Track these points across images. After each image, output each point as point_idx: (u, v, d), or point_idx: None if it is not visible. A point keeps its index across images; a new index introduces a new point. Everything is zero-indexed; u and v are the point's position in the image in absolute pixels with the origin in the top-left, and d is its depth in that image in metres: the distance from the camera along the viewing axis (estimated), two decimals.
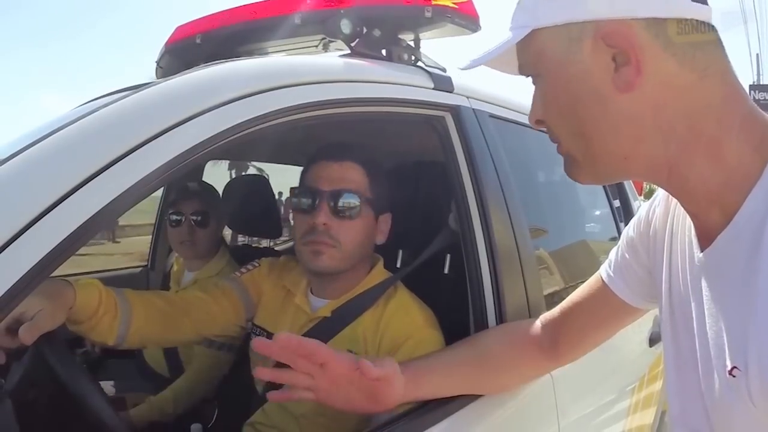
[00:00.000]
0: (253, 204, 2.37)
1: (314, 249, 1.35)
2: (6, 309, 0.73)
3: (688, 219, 0.82)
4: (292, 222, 1.59)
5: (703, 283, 0.78)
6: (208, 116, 0.94)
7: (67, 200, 0.78)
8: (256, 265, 1.61)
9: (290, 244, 4.05)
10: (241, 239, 3.39)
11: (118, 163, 0.84)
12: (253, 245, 3.29)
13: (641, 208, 0.99)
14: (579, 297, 1.14)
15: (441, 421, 1.15)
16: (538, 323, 1.25)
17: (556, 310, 1.21)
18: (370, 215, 1.41)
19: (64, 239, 0.77)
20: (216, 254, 2.29)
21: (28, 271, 0.73)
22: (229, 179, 2.68)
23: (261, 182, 2.51)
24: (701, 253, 0.78)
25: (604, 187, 2.24)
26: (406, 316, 1.35)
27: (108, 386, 2.11)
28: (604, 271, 1.08)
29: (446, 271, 1.73)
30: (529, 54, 0.80)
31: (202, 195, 2.30)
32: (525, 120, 0.95)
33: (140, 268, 3.17)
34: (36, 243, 0.75)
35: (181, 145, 0.91)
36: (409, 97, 1.33)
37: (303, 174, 1.46)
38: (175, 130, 0.91)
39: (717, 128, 0.72)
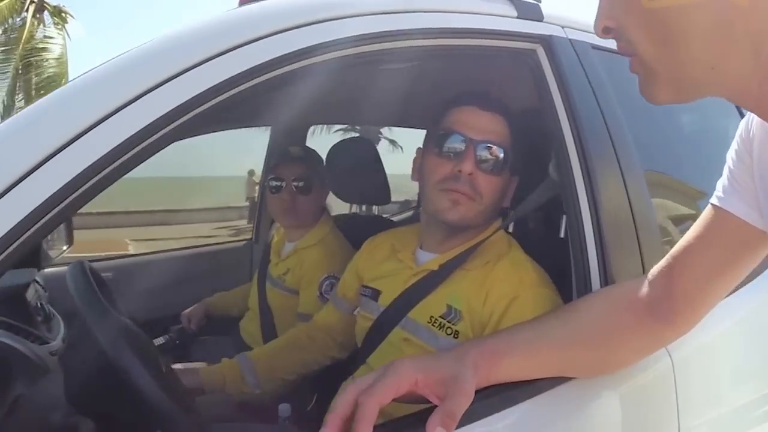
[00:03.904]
0: (358, 169, 2.30)
1: (453, 198, 1.35)
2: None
3: None
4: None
5: None
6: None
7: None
8: None
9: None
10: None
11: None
12: (362, 214, 3.22)
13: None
14: (691, 236, 1.02)
15: (517, 404, 1.03)
16: (645, 280, 1.08)
17: (664, 260, 1.06)
18: (508, 174, 1.40)
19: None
20: (318, 222, 2.25)
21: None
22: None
23: (366, 146, 2.44)
24: None
25: None
26: (515, 273, 1.31)
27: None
28: (714, 198, 0.98)
29: (562, 234, 1.62)
30: None
31: (305, 160, 2.26)
32: None
33: (244, 242, 3.25)
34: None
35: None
36: (489, 27, 1.19)
37: (442, 115, 1.42)
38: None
39: None
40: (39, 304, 1.92)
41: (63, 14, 16.22)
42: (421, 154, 1.45)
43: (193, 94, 0.86)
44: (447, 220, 1.37)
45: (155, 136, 0.84)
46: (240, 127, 2.90)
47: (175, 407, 1.03)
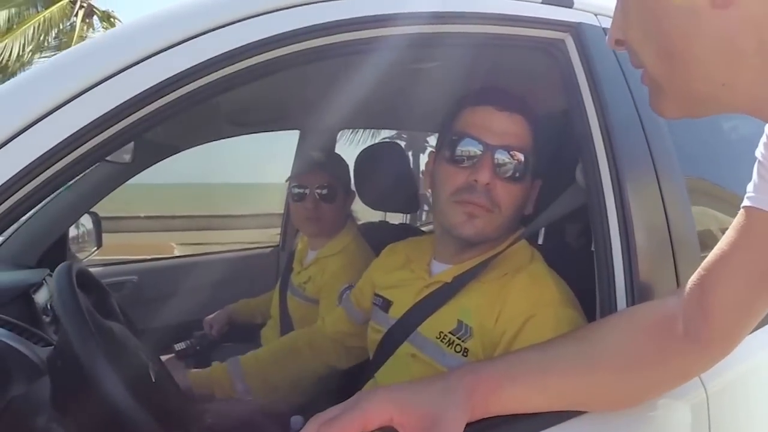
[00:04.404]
0: (386, 175, 2.21)
1: (469, 211, 1.26)
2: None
3: None
4: None
5: None
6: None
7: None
8: None
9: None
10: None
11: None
12: (391, 222, 3.14)
13: None
14: (724, 244, 0.91)
15: None
16: (675, 298, 0.96)
17: (696, 274, 0.94)
18: (530, 180, 1.31)
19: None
20: (341, 230, 2.20)
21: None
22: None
23: (395, 150, 2.38)
24: None
25: None
26: (534, 289, 1.21)
27: None
28: (745, 200, 0.89)
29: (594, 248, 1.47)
30: None
31: (329, 167, 2.21)
32: None
33: (270, 249, 3.24)
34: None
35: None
36: (509, 12, 1.10)
37: (454, 117, 1.34)
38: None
39: None
40: (49, 305, 1.91)
41: (112, 19, 16.60)
42: (433, 159, 1.36)
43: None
44: (462, 235, 1.28)
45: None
46: (275, 130, 2.87)
47: (148, 418, 0.97)
